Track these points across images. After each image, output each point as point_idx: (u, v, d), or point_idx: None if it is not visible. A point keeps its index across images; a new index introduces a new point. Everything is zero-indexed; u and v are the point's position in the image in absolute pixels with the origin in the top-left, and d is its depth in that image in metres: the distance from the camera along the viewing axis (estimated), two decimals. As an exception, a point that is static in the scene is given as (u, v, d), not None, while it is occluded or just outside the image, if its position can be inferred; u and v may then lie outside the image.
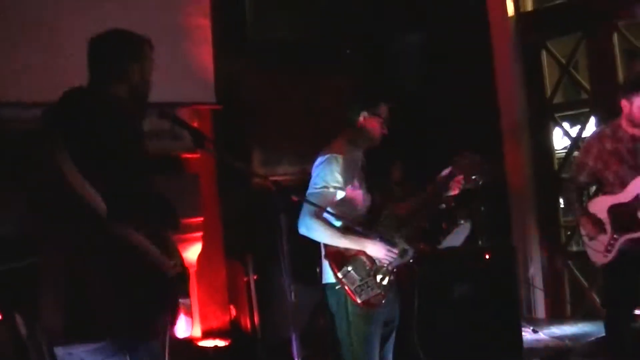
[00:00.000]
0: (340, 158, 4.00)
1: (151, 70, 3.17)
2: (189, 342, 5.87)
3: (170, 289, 2.86)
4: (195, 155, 5.95)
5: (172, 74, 5.65)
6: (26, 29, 5.00)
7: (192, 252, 5.91)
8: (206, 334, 5.97)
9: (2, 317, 4.50)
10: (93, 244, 2.81)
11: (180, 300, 2.87)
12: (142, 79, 3.11)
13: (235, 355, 5.96)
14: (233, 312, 6.22)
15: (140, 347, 2.85)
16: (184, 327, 2.92)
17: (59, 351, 2.88)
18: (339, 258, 3.98)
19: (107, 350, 2.83)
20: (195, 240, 5.91)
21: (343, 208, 3.95)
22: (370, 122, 4.14)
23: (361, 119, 4.14)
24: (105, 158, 2.79)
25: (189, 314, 2.92)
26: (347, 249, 3.98)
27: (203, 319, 6.02)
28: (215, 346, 5.89)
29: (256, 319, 5.99)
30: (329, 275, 4.03)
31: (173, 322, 2.88)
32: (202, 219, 5.92)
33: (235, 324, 6.20)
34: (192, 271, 5.95)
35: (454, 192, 4.22)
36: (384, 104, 4.18)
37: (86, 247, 2.81)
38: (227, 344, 5.94)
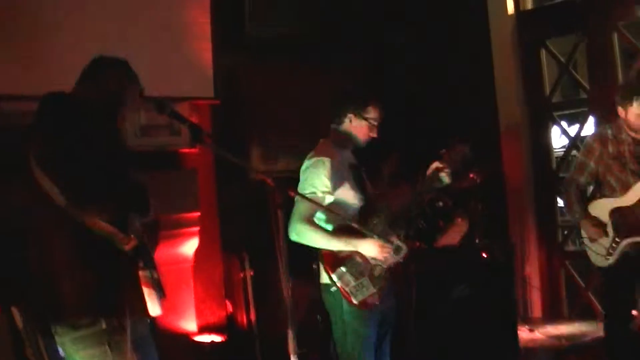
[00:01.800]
0: (327, 162, 3.96)
1: (135, 92, 3.28)
2: (185, 337, 5.87)
3: (128, 263, 2.91)
4: (193, 150, 5.94)
5: (170, 69, 5.66)
6: (28, 23, 4.99)
7: (189, 247, 5.91)
8: (202, 329, 5.98)
9: (0, 310, 4.50)
10: (57, 234, 2.91)
11: (140, 273, 2.89)
12: (118, 88, 3.20)
13: (231, 350, 5.97)
14: (229, 307, 6.22)
15: (116, 333, 2.89)
16: (152, 302, 2.90)
17: (57, 339, 2.99)
18: (333, 259, 3.97)
19: (86, 341, 2.91)
20: (192, 235, 5.90)
21: (334, 210, 3.91)
22: (357, 125, 4.10)
23: (347, 121, 4.11)
24: (61, 152, 2.88)
25: (152, 287, 2.90)
26: (341, 251, 3.97)
27: (199, 314, 6.03)
28: (212, 341, 5.89)
29: (252, 314, 5.99)
30: (324, 277, 4.02)
31: (138, 298, 2.90)
32: (199, 213, 5.92)
33: (231, 319, 6.20)
34: (189, 266, 5.96)
35: (442, 185, 4.16)
36: (373, 105, 4.12)
37: (51, 237, 2.92)
38: (223, 339, 5.94)
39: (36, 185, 2.90)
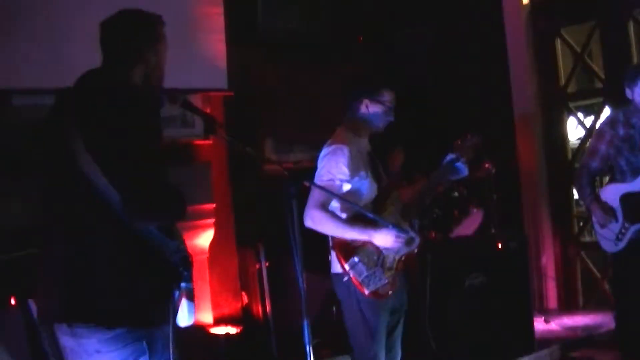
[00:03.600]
0: (345, 149, 3.95)
1: (166, 51, 3.09)
2: (200, 329, 5.89)
3: (174, 274, 2.83)
4: (206, 142, 5.95)
5: (184, 61, 5.65)
6: (40, 17, 5.01)
7: (204, 239, 5.92)
8: (218, 321, 5.99)
9: (16, 303, 4.52)
10: (101, 230, 2.77)
11: (182, 285, 2.85)
12: (157, 60, 3.03)
13: (246, 342, 5.98)
14: (245, 299, 6.23)
15: (156, 334, 2.82)
16: (186, 314, 2.85)
17: (68, 342, 2.80)
18: (346, 249, 3.96)
19: (122, 340, 2.77)
20: (207, 227, 5.91)
21: (350, 198, 3.91)
22: (374, 110, 4.09)
23: (363, 106, 4.10)
24: (123, 148, 2.72)
25: (192, 299, 2.85)
26: (354, 240, 3.97)
27: (215, 306, 6.04)
28: (227, 333, 5.90)
29: (268, 306, 6.00)
30: (336, 266, 4.02)
31: (176, 308, 2.86)
32: (214, 205, 5.92)
33: (246, 311, 6.22)
34: (204, 258, 5.97)
35: (460, 175, 4.15)
36: (387, 90, 4.11)
37: (94, 233, 2.77)
38: (238, 331, 5.95)
39: (76, 180, 2.74)
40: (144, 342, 2.81)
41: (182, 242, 2.91)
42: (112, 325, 2.75)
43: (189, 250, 2.96)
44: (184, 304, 2.83)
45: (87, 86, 2.89)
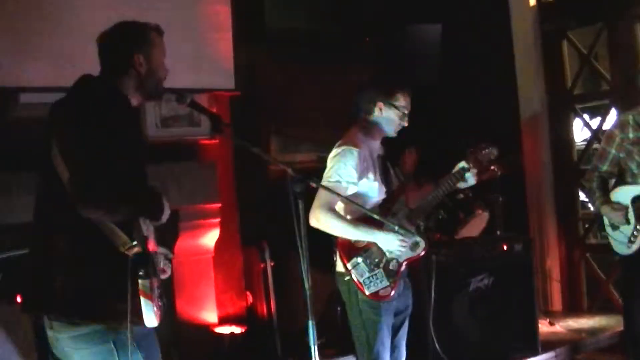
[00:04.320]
0: (355, 151, 3.93)
1: (161, 57, 3.13)
2: (205, 328, 5.90)
3: (128, 269, 2.83)
4: (212, 142, 5.96)
5: (191, 61, 5.67)
6: (47, 14, 5.01)
7: (209, 239, 5.93)
8: (222, 321, 6.00)
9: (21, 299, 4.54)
10: (62, 226, 2.84)
11: (139, 282, 2.83)
12: (150, 67, 3.07)
13: (251, 341, 5.98)
14: (249, 298, 6.24)
15: (123, 335, 2.83)
16: (145, 313, 2.85)
17: (50, 333, 2.92)
18: (349, 249, 3.96)
19: (89, 338, 2.84)
20: (212, 226, 5.92)
21: (356, 200, 3.88)
22: (387, 113, 4.05)
23: (377, 109, 4.06)
24: (83, 139, 2.79)
25: (149, 298, 2.85)
26: (358, 241, 3.97)
27: (219, 306, 6.05)
28: (232, 333, 5.91)
29: (272, 305, 6.01)
30: (339, 265, 4.02)
31: (135, 305, 2.85)
32: (219, 205, 5.93)
33: (251, 310, 6.22)
34: (209, 257, 5.98)
35: (468, 184, 4.13)
36: (402, 92, 4.06)
37: (57, 229, 2.86)
38: (243, 330, 5.96)
39: (52, 171, 2.84)
40: (111, 343, 2.85)
41: (141, 239, 2.89)
42: (74, 322, 2.82)
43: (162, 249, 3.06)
44: (142, 302, 2.84)
45: (71, 90, 3.00)
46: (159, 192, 3.04)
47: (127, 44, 3.06)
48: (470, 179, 4.07)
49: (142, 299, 2.83)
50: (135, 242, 2.84)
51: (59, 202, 2.82)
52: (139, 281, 2.83)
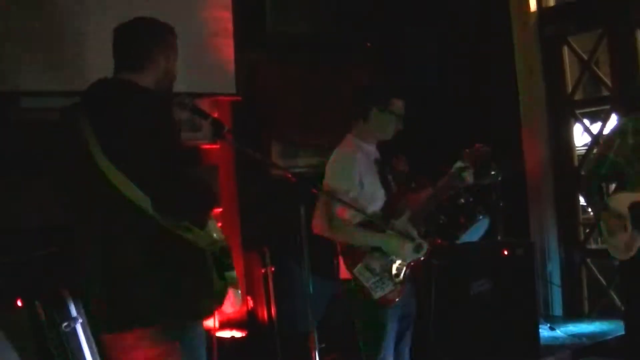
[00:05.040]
0: (353, 156, 3.98)
1: (175, 60, 3.13)
2: (205, 332, 5.89)
3: (213, 266, 2.84)
4: (214, 146, 5.97)
5: (192, 65, 5.67)
6: (47, 19, 5.03)
7: (210, 243, 5.92)
8: (223, 325, 5.99)
9: (22, 304, 4.54)
10: (132, 231, 2.79)
11: (226, 274, 2.86)
12: (167, 68, 3.07)
13: (252, 346, 5.98)
14: (250, 303, 6.24)
15: (189, 331, 2.85)
16: (234, 300, 2.89)
17: (106, 337, 2.90)
18: (354, 255, 3.98)
19: (156, 337, 2.81)
20: (213, 231, 5.92)
21: (358, 205, 3.91)
22: (382, 119, 4.09)
23: (372, 114, 4.10)
24: (146, 152, 2.74)
25: (238, 286, 2.90)
26: (361, 246, 3.98)
27: (220, 310, 6.04)
28: (232, 337, 5.92)
29: (273, 310, 6.01)
30: (344, 272, 4.03)
31: (220, 301, 2.88)
32: (220, 209, 5.94)
33: (252, 315, 6.22)
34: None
35: (466, 184, 4.14)
36: (397, 99, 4.12)
37: (125, 235, 2.80)
38: (244, 335, 5.96)
39: (96, 183, 2.76)
40: (177, 342, 2.83)
41: (219, 232, 2.93)
42: (148, 323, 2.79)
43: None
44: (230, 293, 2.86)
45: (102, 95, 2.92)
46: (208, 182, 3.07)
47: (151, 40, 3.05)
48: (468, 178, 4.09)
49: (232, 290, 2.89)
50: (217, 238, 2.87)
51: (122, 211, 2.76)
52: (226, 273, 2.87)
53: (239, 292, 2.91)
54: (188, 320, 2.84)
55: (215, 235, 2.89)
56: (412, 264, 4.06)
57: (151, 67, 3.02)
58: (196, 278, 2.83)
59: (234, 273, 2.89)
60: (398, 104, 4.11)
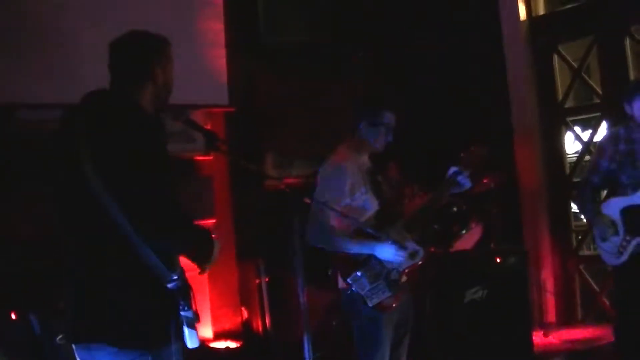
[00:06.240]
0: (343, 166, 4.01)
1: (172, 72, 3.12)
2: (200, 343, 5.90)
3: (171, 301, 2.87)
4: (208, 158, 5.98)
5: (185, 77, 5.65)
6: (45, 32, 5.05)
7: (204, 254, 5.93)
8: (218, 336, 6.01)
9: (16, 316, 4.54)
10: (109, 252, 2.80)
11: (181, 314, 2.88)
12: (165, 80, 3.06)
13: (247, 356, 5.99)
14: (245, 313, 6.25)
15: (162, 352, 2.85)
16: (188, 340, 2.91)
17: (81, 353, 2.88)
18: (349, 263, 3.99)
19: (127, 356, 2.82)
20: (207, 242, 5.93)
21: (351, 214, 3.93)
22: (373, 131, 4.13)
23: (362, 127, 4.13)
24: (134, 172, 2.74)
25: (193, 327, 2.90)
26: (357, 254, 4.00)
27: (215, 321, 6.06)
28: (227, 347, 5.92)
29: (268, 320, 6.02)
30: (340, 281, 4.05)
31: (178, 335, 2.90)
32: (214, 220, 5.95)
33: (247, 325, 6.23)
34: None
35: (464, 188, 4.15)
36: (387, 111, 4.15)
37: (103, 255, 2.82)
38: (239, 345, 5.97)
39: (86, 200, 2.76)
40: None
41: (182, 272, 2.92)
42: (120, 346, 2.80)
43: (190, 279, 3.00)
44: (185, 332, 2.88)
45: (98, 108, 2.91)
46: (208, 231, 3.05)
47: (149, 54, 3.04)
48: (465, 181, 4.10)
49: (187, 329, 2.89)
50: (175, 276, 2.87)
51: (105, 229, 2.77)
52: (182, 314, 2.88)
53: (195, 332, 2.91)
54: (138, 347, 2.83)
55: (174, 274, 2.88)
56: (407, 270, 4.09)
57: (150, 81, 3.01)
58: (153, 310, 2.84)
59: (190, 313, 2.89)
60: (388, 117, 4.14)
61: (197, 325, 2.94)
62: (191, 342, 2.91)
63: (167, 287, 2.84)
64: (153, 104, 3.03)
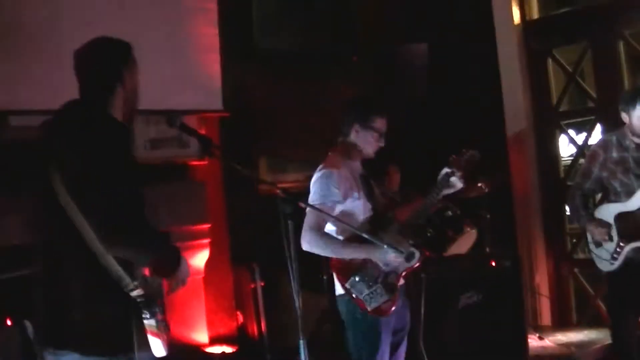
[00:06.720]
0: (334, 172, 4.00)
1: (138, 75, 3.14)
2: (196, 348, 5.90)
3: (133, 309, 2.88)
4: (202, 163, 5.98)
5: (179, 82, 5.71)
6: (37, 37, 5.04)
7: (199, 259, 5.93)
8: (213, 341, 6.00)
9: (12, 323, 4.54)
10: (73, 260, 2.84)
11: (145, 322, 2.89)
12: (133, 84, 3.09)
13: (242, 361, 5.99)
14: (240, 318, 6.24)
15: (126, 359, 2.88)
16: (155, 349, 2.92)
17: (50, 357, 2.91)
18: (346, 268, 4.00)
19: None
20: (202, 247, 5.94)
21: (344, 219, 3.94)
22: (363, 136, 4.13)
23: (353, 131, 4.14)
24: (97, 179, 2.76)
25: (157, 335, 2.91)
26: (352, 259, 4.00)
27: (210, 326, 6.05)
28: (223, 352, 5.92)
29: (263, 325, 6.01)
30: (337, 287, 4.05)
31: (143, 342, 2.91)
32: (209, 225, 5.95)
33: (242, 330, 6.23)
34: (200, 278, 5.99)
35: (456, 189, 4.15)
36: (378, 116, 4.15)
37: (67, 262, 2.86)
38: (234, 350, 5.96)
39: (54, 209, 2.82)
40: None
41: (149, 281, 2.94)
42: (84, 353, 2.83)
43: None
44: (150, 340, 2.89)
45: (68, 118, 2.96)
46: (178, 249, 3.06)
47: (117, 59, 3.07)
48: (457, 182, 4.10)
49: (150, 337, 2.89)
50: (136, 284, 2.87)
51: (69, 239, 2.81)
52: (145, 322, 2.88)
53: (159, 341, 2.91)
54: (101, 354, 2.86)
55: (133, 282, 2.89)
56: (404, 274, 4.09)
57: (120, 86, 3.03)
58: (114, 318, 2.87)
59: (154, 322, 2.90)
60: (379, 122, 4.14)
61: (164, 334, 2.93)
62: (156, 351, 2.91)
63: (129, 295, 2.86)
64: (123, 109, 3.06)
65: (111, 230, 2.74)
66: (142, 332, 2.89)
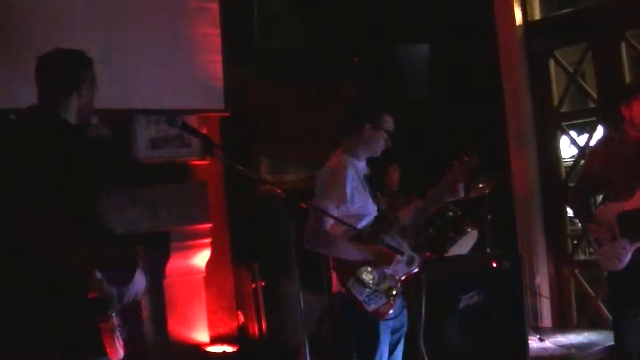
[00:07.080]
0: (343, 171, 3.98)
1: (95, 92, 3.24)
2: (197, 348, 5.90)
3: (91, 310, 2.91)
4: (203, 162, 5.98)
5: (181, 82, 5.72)
6: (37, 36, 5.04)
7: (200, 259, 5.94)
8: (214, 340, 6.00)
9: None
10: (32, 266, 2.87)
11: (101, 325, 2.91)
12: (89, 97, 3.18)
13: (243, 361, 5.99)
14: (241, 318, 6.25)
15: None
16: (112, 350, 2.95)
17: None
18: (346, 269, 3.98)
19: None
20: (203, 246, 5.94)
21: (348, 220, 3.92)
22: (374, 136, 4.10)
23: (365, 131, 4.10)
24: (55, 189, 2.83)
25: (113, 339, 2.95)
26: (353, 260, 4.00)
27: (211, 325, 6.06)
28: (224, 352, 5.92)
29: (264, 325, 6.02)
30: (336, 286, 4.05)
31: (101, 344, 2.93)
32: (210, 225, 5.95)
33: (243, 330, 6.23)
34: (201, 277, 5.99)
35: (456, 197, 4.15)
36: (388, 115, 4.13)
37: (26, 268, 2.89)
38: (235, 350, 5.96)
39: (15, 214, 2.87)
40: None
41: (97, 284, 2.94)
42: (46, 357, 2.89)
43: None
44: (106, 342, 2.91)
45: (28, 125, 3.05)
46: (136, 261, 3.11)
47: (77, 67, 3.16)
48: (459, 190, 4.10)
49: (107, 340, 2.92)
50: (96, 289, 2.90)
51: (27, 247, 2.86)
52: (101, 325, 2.92)
53: (117, 341, 2.94)
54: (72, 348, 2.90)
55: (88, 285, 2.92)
56: (403, 277, 4.09)
57: (75, 94, 3.12)
58: (76, 323, 2.90)
59: (109, 327, 2.92)
60: (389, 121, 4.12)
61: (120, 339, 2.97)
62: (112, 353, 2.94)
63: (89, 300, 2.89)
64: (76, 117, 3.13)
65: (70, 232, 2.81)
66: (99, 335, 2.92)
